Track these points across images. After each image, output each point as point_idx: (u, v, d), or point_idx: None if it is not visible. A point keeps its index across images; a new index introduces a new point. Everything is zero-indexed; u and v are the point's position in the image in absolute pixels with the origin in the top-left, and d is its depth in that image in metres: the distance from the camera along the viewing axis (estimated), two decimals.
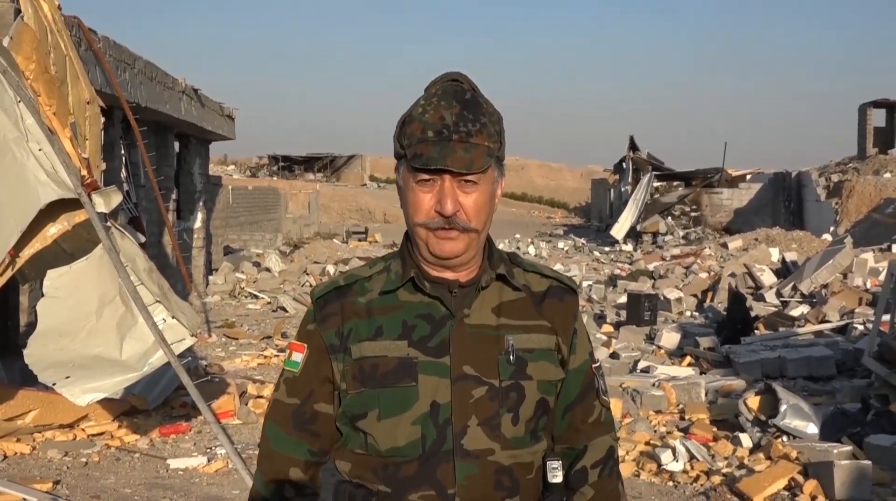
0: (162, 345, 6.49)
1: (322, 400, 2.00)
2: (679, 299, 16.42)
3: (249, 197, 31.91)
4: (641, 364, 10.98)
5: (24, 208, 6.40)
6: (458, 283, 1.96)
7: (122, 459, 7.55)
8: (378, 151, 73.18)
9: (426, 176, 1.88)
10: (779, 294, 15.86)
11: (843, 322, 12.75)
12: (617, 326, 14.00)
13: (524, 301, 2.01)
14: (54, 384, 6.53)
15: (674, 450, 7.34)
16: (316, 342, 2.00)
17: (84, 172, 6.65)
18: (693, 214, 38.84)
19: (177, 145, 18.45)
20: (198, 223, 19.38)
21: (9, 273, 6.58)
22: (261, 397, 9.53)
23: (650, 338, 12.77)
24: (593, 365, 2.12)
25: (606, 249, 33.73)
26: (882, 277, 15.53)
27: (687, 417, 8.61)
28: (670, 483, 6.96)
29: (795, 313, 13.99)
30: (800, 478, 6.64)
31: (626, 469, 7.13)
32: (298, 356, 2.02)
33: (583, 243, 36.79)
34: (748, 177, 40.91)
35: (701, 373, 10.61)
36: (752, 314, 13.28)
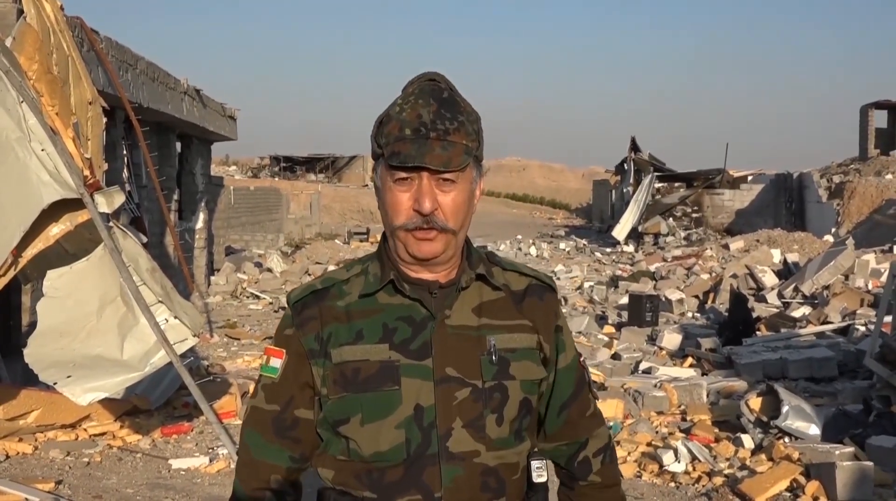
0: (164, 345, 6.50)
1: (302, 406, 1.97)
2: (681, 301, 16.42)
3: (251, 197, 31.92)
4: (643, 365, 10.98)
5: (27, 208, 6.41)
6: (438, 284, 1.95)
7: (124, 459, 7.55)
8: None
9: (404, 174, 1.86)
10: (780, 295, 15.85)
11: (844, 323, 12.75)
12: (618, 327, 14.00)
13: (504, 301, 2.00)
14: (55, 384, 6.54)
15: (675, 451, 7.34)
16: (295, 347, 1.96)
17: (86, 173, 6.66)
18: (694, 215, 38.84)
19: (179, 146, 18.46)
20: (199, 224, 19.39)
21: (11, 273, 6.59)
22: None
23: (652, 339, 12.77)
24: (581, 359, 2.12)
25: (608, 250, 33.73)
26: (884, 278, 15.51)
27: (689, 418, 8.61)
28: (672, 484, 6.96)
29: (797, 314, 13.98)
30: (802, 479, 6.64)
31: (627, 470, 7.13)
32: (277, 362, 1.98)
33: (584, 244, 36.79)
34: (750, 178, 40.91)
35: (702, 374, 10.61)
36: (754, 315, 13.28)
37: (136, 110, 11.45)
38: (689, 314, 15.74)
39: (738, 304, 12.92)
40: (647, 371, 10.65)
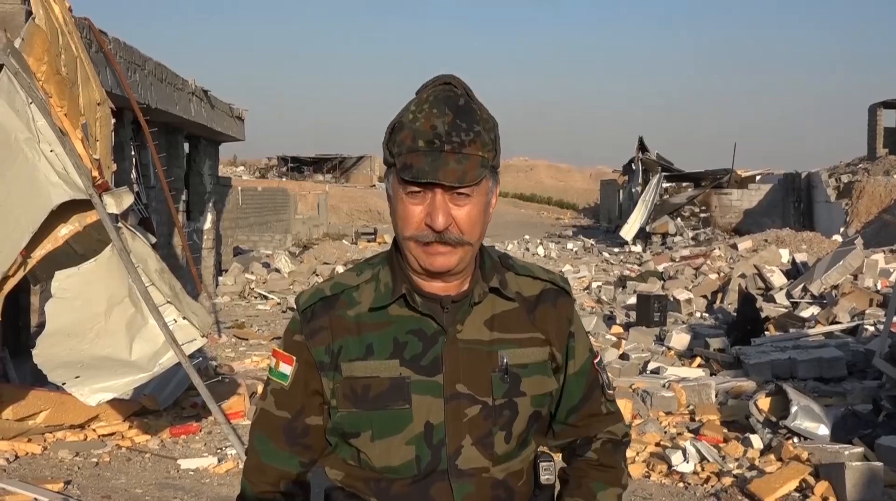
0: (173, 346, 6.52)
1: (313, 413, 1.94)
2: (689, 301, 16.39)
3: (259, 198, 31.98)
4: (651, 366, 10.97)
5: (36, 209, 6.43)
6: (451, 298, 1.90)
7: (132, 459, 7.57)
8: None
9: (416, 188, 1.79)
10: (789, 295, 15.81)
11: (853, 323, 12.71)
12: (626, 327, 13.98)
13: (517, 312, 1.95)
14: (64, 384, 6.56)
15: (684, 451, 7.33)
16: (304, 356, 1.93)
17: (95, 174, 6.68)
18: (702, 215, 38.77)
19: (187, 146, 18.48)
20: (208, 224, 19.42)
21: (20, 274, 6.61)
22: None
23: (660, 339, 12.75)
24: (594, 362, 2.08)
25: (616, 250, 33.70)
26: (893, 278, 15.51)
27: (697, 418, 8.60)
28: (681, 485, 6.94)
29: (806, 314, 13.95)
30: (811, 480, 6.62)
31: (636, 470, 7.12)
32: (287, 368, 1.95)
33: (592, 244, 36.74)
34: (758, 178, 40.82)
35: (711, 374, 10.59)
36: (763, 315, 13.25)
37: (144, 111, 11.47)
38: (698, 314, 15.71)
39: (746, 304, 12.89)
40: (656, 372, 10.63)
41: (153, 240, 7.44)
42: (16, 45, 6.72)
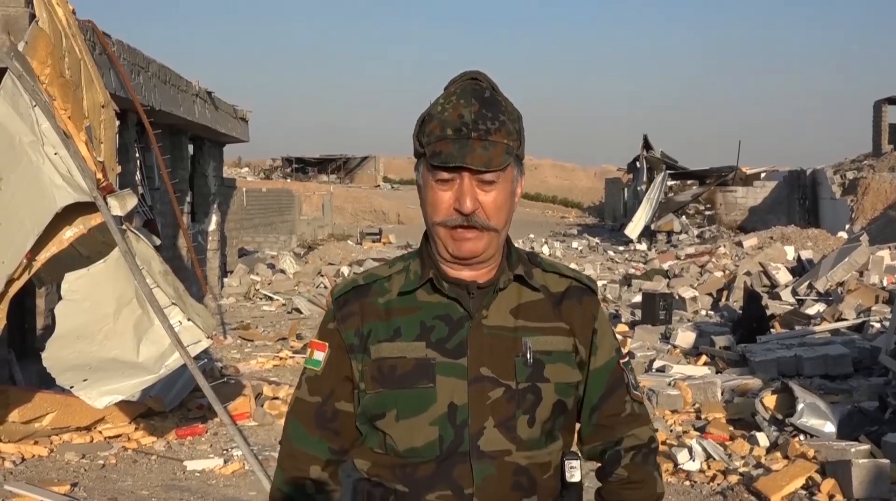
0: (178, 347, 6.52)
1: (343, 399, 2.01)
2: (694, 298, 16.38)
3: (263, 199, 31.99)
4: (657, 364, 10.96)
5: (41, 212, 6.44)
6: (477, 284, 1.96)
7: (139, 461, 7.58)
8: (391, 152, 73.31)
9: (445, 174, 1.88)
10: (794, 293, 15.79)
11: (859, 320, 12.69)
12: (632, 325, 13.97)
13: (542, 303, 2.01)
14: (72, 387, 6.57)
15: (690, 450, 7.32)
16: (336, 341, 2.00)
17: (99, 176, 6.69)
18: (707, 212, 38.75)
19: (191, 148, 18.51)
20: (212, 226, 19.44)
21: (26, 276, 6.62)
22: (276, 398, 9.55)
23: (665, 337, 12.73)
24: (621, 361, 2.10)
25: (621, 248, 33.67)
26: None
27: (703, 416, 8.59)
28: (687, 483, 6.94)
29: (811, 311, 13.93)
30: (817, 477, 6.62)
31: None
32: (320, 355, 2.02)
33: (597, 243, 36.73)
34: (763, 175, 40.79)
35: (717, 372, 10.58)
36: (768, 312, 13.23)
37: (148, 113, 11.49)
38: (703, 312, 15.69)
39: (751, 301, 12.87)
40: (661, 370, 10.63)
41: (158, 242, 7.45)
42: (19, 49, 6.74)
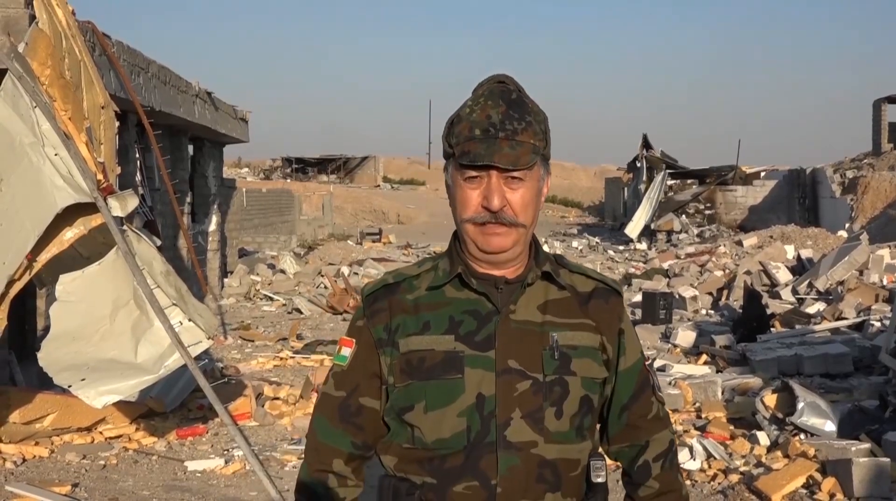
0: (178, 348, 6.52)
1: (368, 395, 2.04)
2: (694, 298, 16.38)
3: (263, 199, 31.99)
4: (657, 363, 10.96)
5: (41, 213, 6.44)
6: (505, 279, 2.01)
7: (139, 461, 7.58)
8: (391, 152, 73.33)
9: (474, 173, 1.93)
10: (794, 292, 15.80)
11: (859, 319, 12.69)
12: (632, 325, 13.97)
13: (569, 300, 2.05)
14: (70, 387, 6.57)
15: (691, 449, 7.33)
16: (365, 338, 2.04)
17: (100, 177, 6.69)
18: (707, 211, 38.75)
19: (191, 149, 18.52)
20: (212, 226, 19.44)
21: (26, 277, 6.62)
22: (277, 398, 9.55)
23: (666, 337, 12.74)
24: (646, 363, 2.15)
25: (621, 247, 33.66)
26: None
27: (704, 415, 8.59)
28: (688, 482, 6.91)
29: (811, 310, 13.93)
30: (818, 476, 6.62)
31: None
32: (347, 351, 2.07)
33: (597, 242, 36.72)
34: (762, 174, 40.80)
35: (717, 371, 10.58)
36: (768, 311, 13.23)
37: (148, 114, 11.48)
38: (703, 312, 15.70)
39: (752, 300, 12.88)
40: (662, 369, 10.63)
41: (158, 242, 7.45)
42: (19, 50, 6.74)
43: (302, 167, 68.14)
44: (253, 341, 13.62)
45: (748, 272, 17.27)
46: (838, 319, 13.02)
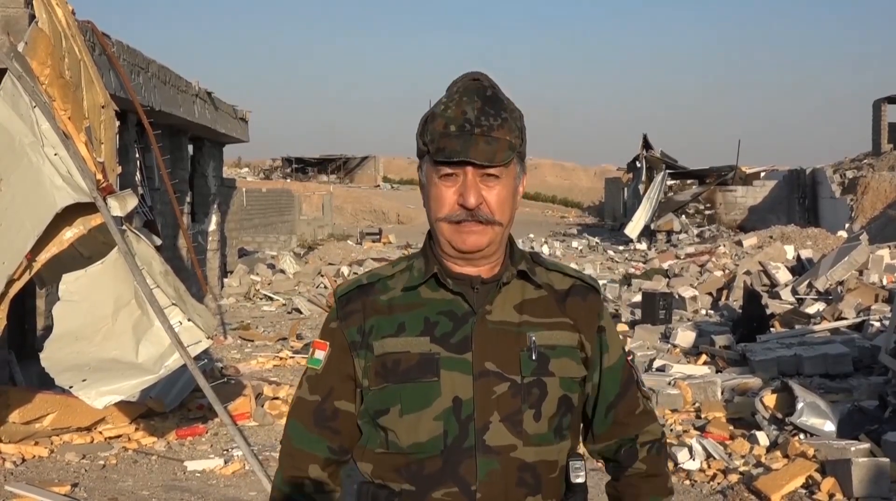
0: (178, 347, 6.52)
1: (343, 398, 2.00)
2: (694, 298, 16.37)
3: (263, 199, 32.00)
4: (657, 363, 10.96)
5: (41, 213, 6.44)
6: (481, 279, 1.97)
7: (139, 461, 7.58)
8: (391, 152, 73.33)
9: (449, 170, 1.90)
10: (794, 292, 15.79)
11: (859, 319, 12.69)
12: (632, 325, 13.97)
13: (546, 299, 2.02)
14: (71, 387, 6.57)
15: (690, 449, 7.33)
16: (338, 340, 2.01)
17: (99, 176, 6.69)
18: (707, 212, 38.74)
19: (191, 148, 18.51)
20: (212, 226, 19.44)
21: (26, 277, 6.62)
22: (276, 398, 9.55)
23: (665, 337, 12.73)
24: (628, 358, 2.13)
25: (620, 248, 33.66)
26: None
27: (703, 415, 8.59)
28: (687, 482, 6.94)
29: (811, 310, 13.92)
30: (817, 476, 6.62)
31: None
32: (321, 354, 2.03)
33: (597, 243, 36.72)
34: (762, 174, 40.79)
35: (717, 371, 10.58)
36: (768, 311, 13.22)
37: (148, 114, 11.48)
38: (703, 312, 15.69)
39: (751, 301, 12.87)
40: (661, 369, 10.62)
41: (158, 242, 7.45)
42: (19, 49, 6.74)
43: (302, 167, 68.15)
44: (252, 341, 13.62)
45: (748, 273, 17.26)
46: (838, 319, 13.01)
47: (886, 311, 12.61)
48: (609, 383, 2.07)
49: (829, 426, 7.57)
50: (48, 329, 6.93)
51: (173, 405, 8.90)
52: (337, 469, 2.05)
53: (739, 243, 24.41)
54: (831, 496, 6.39)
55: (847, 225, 29.47)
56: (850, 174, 34.60)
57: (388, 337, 1.95)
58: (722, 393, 9.23)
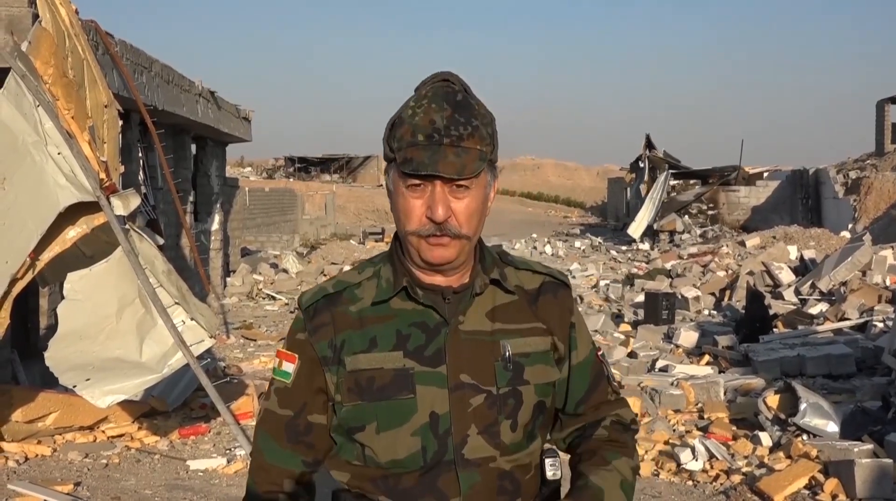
0: (181, 347, 6.53)
1: (316, 411, 1.96)
2: (697, 298, 16.36)
3: (266, 199, 32.02)
4: (660, 363, 10.96)
5: (44, 212, 6.45)
6: (452, 289, 1.93)
7: (142, 460, 7.59)
8: None
9: (416, 181, 1.82)
10: (797, 292, 15.78)
11: (862, 320, 12.68)
12: (635, 325, 13.97)
13: (518, 303, 1.98)
14: (75, 386, 6.58)
15: (693, 449, 7.32)
16: (308, 353, 1.95)
17: (102, 176, 6.69)
18: (710, 212, 38.71)
19: (194, 148, 18.51)
20: (215, 225, 19.44)
21: (29, 276, 6.63)
22: None
23: (668, 337, 12.73)
24: (599, 354, 2.10)
25: (623, 248, 33.64)
26: None
27: (706, 416, 8.59)
28: (690, 483, 6.94)
29: (814, 311, 13.91)
30: (820, 477, 6.61)
31: (645, 469, 7.11)
32: (290, 367, 1.96)
33: (599, 243, 36.72)
34: (765, 174, 40.74)
35: (719, 372, 10.57)
36: (771, 312, 13.22)
37: (151, 113, 11.49)
38: (706, 312, 15.68)
39: (754, 301, 12.86)
40: (664, 369, 10.62)
41: (161, 241, 7.46)
42: (23, 49, 6.74)
43: (305, 167, 68.18)
44: (255, 340, 13.63)
45: (751, 273, 17.25)
46: (841, 320, 13.00)
47: (890, 311, 12.60)
48: (578, 379, 2.04)
49: (832, 427, 7.56)
50: (51, 328, 6.94)
51: (176, 404, 8.90)
52: (311, 478, 2.03)
53: (742, 244, 24.39)
54: (834, 497, 6.38)
55: (850, 225, 29.44)
56: (853, 175, 34.57)
57: (361, 353, 1.90)
58: (725, 394, 9.22)
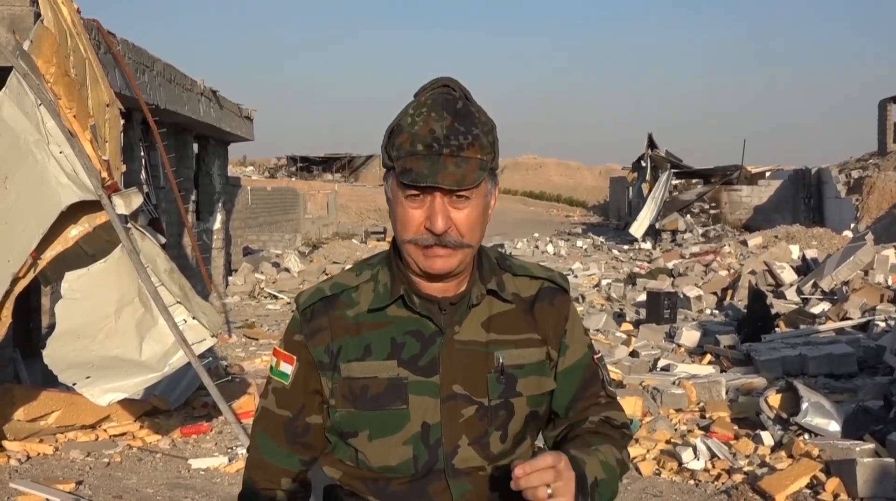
0: (183, 346, 6.53)
1: (313, 412, 1.97)
2: (699, 297, 16.36)
3: (268, 198, 32.03)
4: (661, 363, 10.95)
5: (46, 211, 6.45)
6: (448, 300, 1.92)
7: (143, 459, 7.59)
8: None
9: (415, 191, 1.80)
10: (799, 292, 15.77)
11: (864, 319, 12.67)
12: (636, 324, 13.96)
13: (514, 312, 1.97)
14: (74, 384, 6.58)
15: (695, 449, 7.32)
16: (305, 356, 1.95)
17: (104, 175, 6.69)
18: (712, 211, 38.70)
19: (196, 147, 18.53)
20: (217, 224, 19.45)
21: (31, 275, 6.63)
22: None
23: (670, 336, 12.73)
24: (594, 357, 2.07)
25: (625, 247, 33.62)
26: None
27: (708, 415, 8.58)
28: (691, 482, 6.93)
29: (816, 310, 13.90)
30: (822, 476, 6.61)
31: (646, 468, 7.11)
32: (287, 368, 1.97)
33: (601, 242, 36.68)
34: (768, 174, 40.73)
35: (721, 371, 10.57)
36: (773, 311, 13.21)
37: (153, 112, 11.49)
38: (708, 311, 15.67)
39: (756, 300, 12.85)
40: (666, 369, 10.62)
41: (163, 240, 7.46)
42: (24, 48, 6.75)
43: (307, 166, 68.23)
44: (257, 339, 13.63)
45: (753, 272, 17.24)
46: (843, 319, 13.00)
47: (892, 311, 12.60)
48: (566, 384, 2.02)
49: (834, 427, 7.56)
50: (53, 327, 6.94)
51: (178, 403, 8.91)
52: (307, 475, 2.04)
53: (744, 243, 24.38)
54: (836, 496, 6.38)
55: (852, 225, 29.42)
56: (855, 174, 34.54)
57: (355, 361, 1.90)
58: (726, 393, 9.22)
